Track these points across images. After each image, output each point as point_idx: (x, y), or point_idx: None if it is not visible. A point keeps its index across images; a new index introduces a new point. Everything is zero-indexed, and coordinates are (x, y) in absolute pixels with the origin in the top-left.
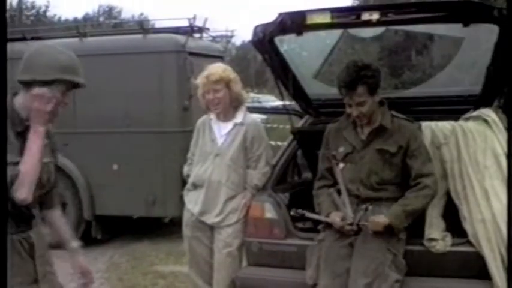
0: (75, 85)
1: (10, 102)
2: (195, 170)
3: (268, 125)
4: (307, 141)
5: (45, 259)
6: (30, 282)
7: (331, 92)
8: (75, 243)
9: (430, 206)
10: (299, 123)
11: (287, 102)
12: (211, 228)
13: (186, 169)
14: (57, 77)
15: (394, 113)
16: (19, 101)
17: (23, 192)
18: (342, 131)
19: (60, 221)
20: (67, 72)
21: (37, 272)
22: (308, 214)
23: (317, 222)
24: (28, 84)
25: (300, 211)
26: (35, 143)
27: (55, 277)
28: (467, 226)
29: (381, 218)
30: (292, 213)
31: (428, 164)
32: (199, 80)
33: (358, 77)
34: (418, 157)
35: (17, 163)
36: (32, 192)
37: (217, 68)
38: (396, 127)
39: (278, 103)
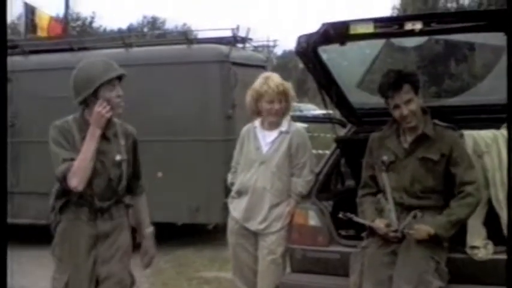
0: (119, 77)
1: (81, 113)
2: (239, 178)
3: (310, 134)
4: (351, 150)
5: (115, 246)
6: (89, 263)
7: (374, 101)
8: (148, 229)
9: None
10: (342, 132)
11: (330, 111)
12: (255, 235)
13: (230, 177)
14: (98, 83)
15: (436, 121)
16: (88, 113)
17: (74, 181)
18: (385, 140)
19: (140, 207)
20: (104, 75)
21: (98, 256)
22: (355, 218)
23: (360, 229)
24: (84, 102)
25: (348, 214)
26: (89, 143)
27: (118, 264)
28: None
29: (426, 226)
30: (340, 215)
31: (470, 171)
32: (260, 88)
33: (401, 76)
34: (461, 164)
35: (73, 159)
36: (84, 182)
37: (279, 79)
38: (439, 135)
39: (319, 112)
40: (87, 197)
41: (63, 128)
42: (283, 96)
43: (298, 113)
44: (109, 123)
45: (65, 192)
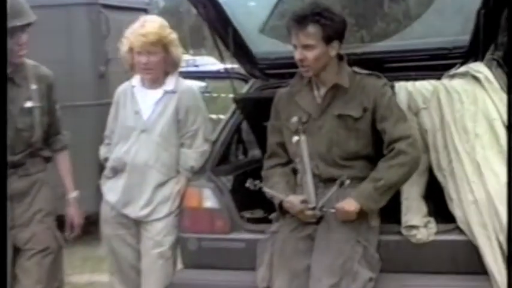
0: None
1: None
2: (114, 151)
3: (208, 94)
4: (254, 111)
5: (35, 207)
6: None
7: (282, 49)
8: (71, 195)
9: (408, 186)
10: (243, 89)
11: (229, 65)
12: (137, 223)
13: (103, 151)
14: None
15: (356, 69)
16: None
17: None
18: (295, 96)
19: (62, 166)
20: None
21: (15, 219)
22: (266, 189)
23: (269, 210)
24: None
25: (259, 183)
26: None
27: (39, 226)
28: (455, 209)
29: (350, 205)
30: (247, 184)
31: (402, 125)
32: (130, 36)
33: (313, 13)
34: (389, 118)
35: None
36: None
37: (154, 24)
38: (359, 85)
39: (219, 66)
40: None
41: None
42: (157, 46)
43: (192, 68)
44: (18, 66)
45: None
